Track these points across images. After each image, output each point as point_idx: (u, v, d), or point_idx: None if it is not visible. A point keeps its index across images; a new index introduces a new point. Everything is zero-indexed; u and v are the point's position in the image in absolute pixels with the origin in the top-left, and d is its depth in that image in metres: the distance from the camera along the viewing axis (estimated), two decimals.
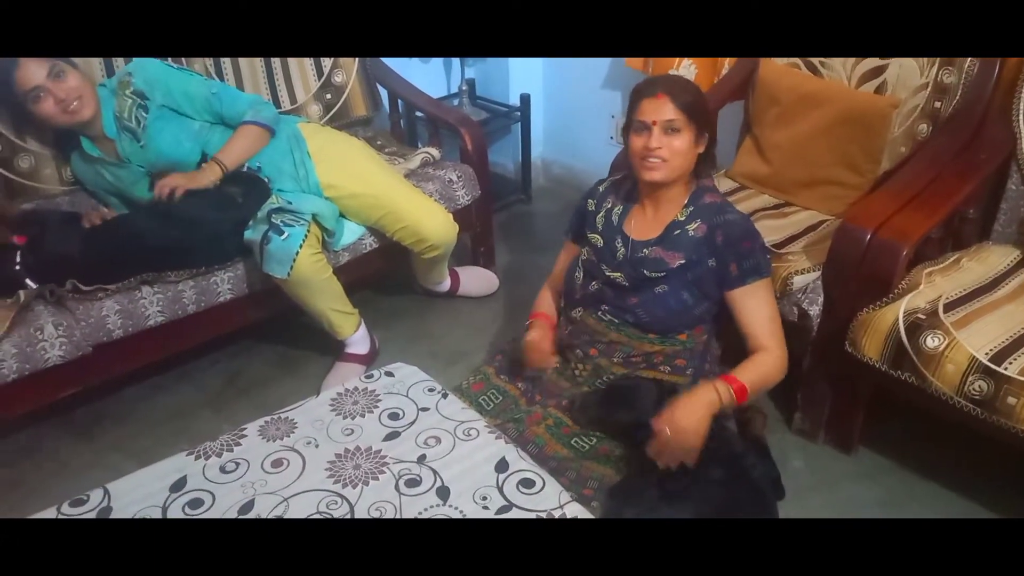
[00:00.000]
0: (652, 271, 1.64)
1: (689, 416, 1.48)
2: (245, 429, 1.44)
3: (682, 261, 1.63)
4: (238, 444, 1.41)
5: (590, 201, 1.79)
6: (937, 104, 1.95)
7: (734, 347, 1.72)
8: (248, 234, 1.93)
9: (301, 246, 1.88)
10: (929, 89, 1.95)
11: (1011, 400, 1.44)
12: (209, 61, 2.30)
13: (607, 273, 1.70)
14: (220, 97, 2.02)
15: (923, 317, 1.57)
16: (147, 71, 1.99)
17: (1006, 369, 1.46)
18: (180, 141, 2.00)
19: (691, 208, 1.64)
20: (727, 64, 2.37)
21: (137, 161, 2.00)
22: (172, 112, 2.00)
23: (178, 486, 1.32)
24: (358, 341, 2.15)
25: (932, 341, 1.53)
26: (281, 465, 1.36)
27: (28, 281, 1.75)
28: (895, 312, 1.59)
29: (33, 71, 1.82)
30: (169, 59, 2.11)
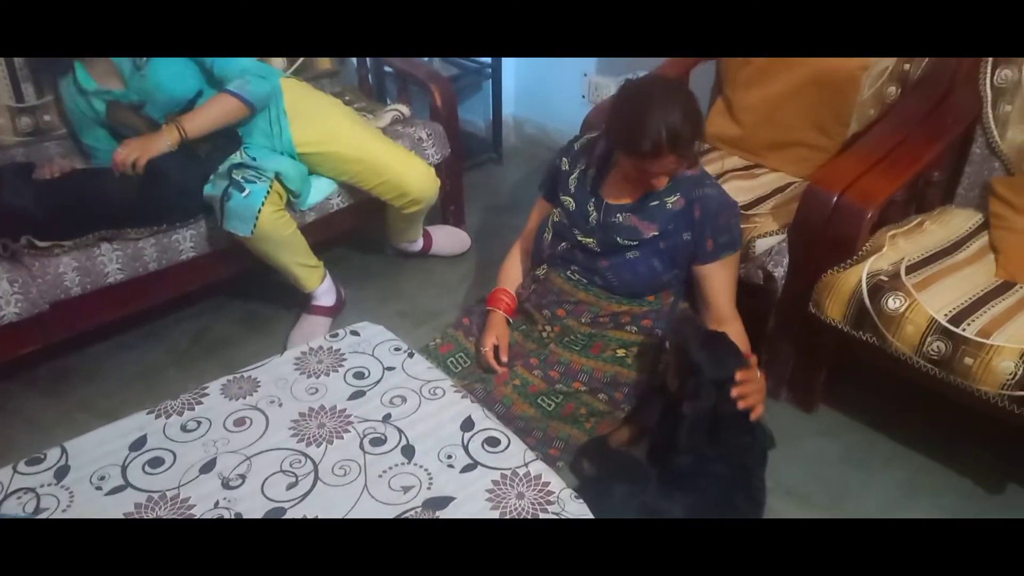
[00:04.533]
0: (625, 239, 1.63)
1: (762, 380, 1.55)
2: (207, 388, 1.43)
3: (656, 232, 1.62)
4: (199, 403, 1.39)
5: (564, 160, 1.76)
6: (906, 67, 1.94)
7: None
8: (208, 190, 1.88)
9: (263, 203, 1.84)
10: None
11: (968, 360, 1.47)
12: None
13: (578, 238, 1.69)
14: None
15: (885, 279, 1.59)
16: None
17: (964, 330, 1.48)
18: (184, 75, 1.93)
19: (670, 179, 1.60)
20: None
21: (134, 88, 1.91)
22: None
23: (138, 444, 1.30)
24: (324, 293, 2.13)
25: (893, 302, 1.55)
26: (244, 424, 1.35)
27: None
28: (858, 274, 1.61)
29: None
30: None
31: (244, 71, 1.93)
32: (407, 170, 2.11)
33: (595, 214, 1.67)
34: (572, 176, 1.73)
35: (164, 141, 1.85)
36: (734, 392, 1.45)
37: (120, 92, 1.92)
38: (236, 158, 1.92)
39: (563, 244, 1.72)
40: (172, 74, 1.92)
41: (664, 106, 1.45)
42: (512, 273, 1.88)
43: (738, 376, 1.47)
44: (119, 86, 1.92)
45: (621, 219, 1.64)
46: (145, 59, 1.89)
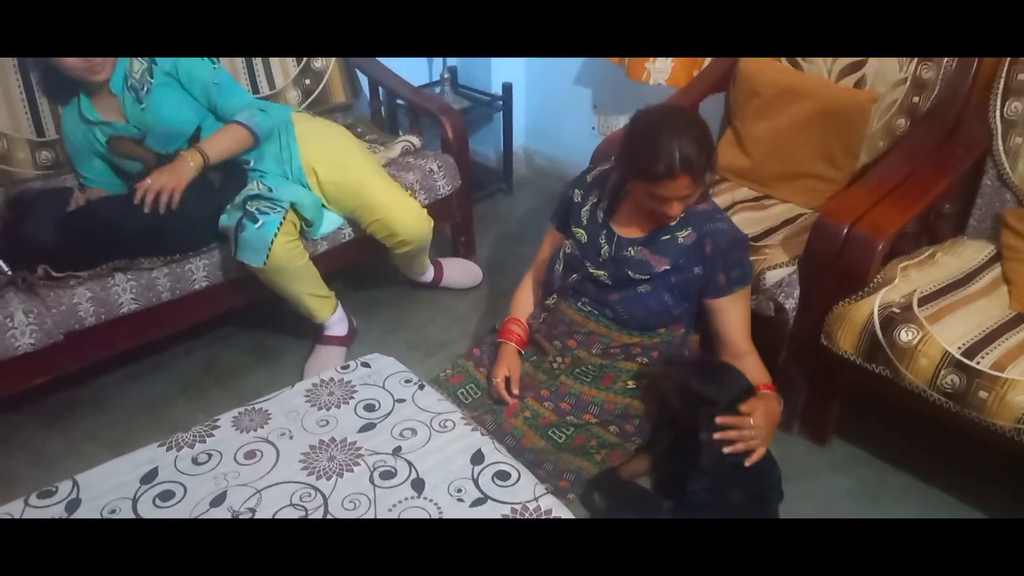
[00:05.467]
0: (636, 272, 1.63)
1: (775, 412, 1.57)
2: (218, 420, 1.43)
3: (667, 266, 1.62)
4: (211, 435, 1.39)
5: (577, 191, 1.77)
6: (915, 99, 1.95)
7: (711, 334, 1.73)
8: (223, 220, 1.90)
9: (276, 234, 1.86)
10: (908, 84, 1.96)
11: (982, 394, 1.46)
12: None
13: (590, 270, 1.69)
14: (220, 88, 1.99)
15: (897, 311, 1.58)
16: None
17: (978, 363, 1.47)
18: (183, 109, 1.98)
19: (683, 213, 1.61)
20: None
21: (135, 122, 1.95)
22: (177, 80, 1.98)
23: (149, 477, 1.30)
24: (336, 323, 2.14)
25: (906, 335, 1.54)
26: (254, 456, 1.35)
27: (0, 265, 1.72)
28: (870, 306, 1.60)
29: None
30: None
31: (247, 105, 1.99)
32: (398, 211, 2.11)
33: (607, 247, 1.68)
34: (584, 208, 1.73)
35: (191, 167, 1.87)
36: (718, 436, 1.48)
37: (122, 125, 1.96)
38: (253, 189, 1.94)
39: (574, 276, 1.72)
40: (172, 108, 1.96)
41: (678, 130, 1.48)
42: (524, 303, 1.88)
43: (720, 420, 1.49)
44: (120, 119, 1.96)
45: (633, 253, 1.64)
46: (146, 93, 1.93)
